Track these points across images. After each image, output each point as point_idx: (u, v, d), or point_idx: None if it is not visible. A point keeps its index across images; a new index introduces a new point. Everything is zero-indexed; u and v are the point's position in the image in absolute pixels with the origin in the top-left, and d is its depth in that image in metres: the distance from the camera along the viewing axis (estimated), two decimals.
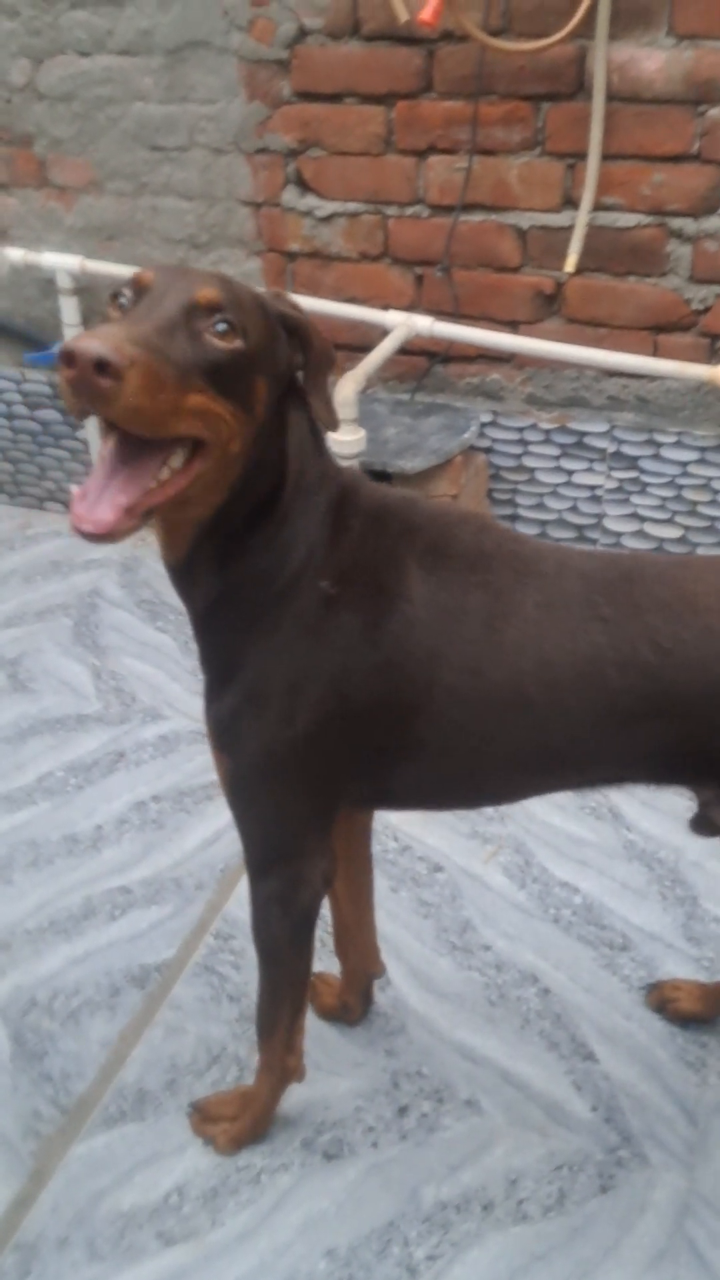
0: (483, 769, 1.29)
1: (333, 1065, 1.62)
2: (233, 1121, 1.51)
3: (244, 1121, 1.51)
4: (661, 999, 1.69)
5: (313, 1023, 1.66)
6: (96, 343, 0.93)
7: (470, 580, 1.22)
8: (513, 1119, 1.55)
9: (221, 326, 1.05)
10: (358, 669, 1.21)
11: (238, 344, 1.06)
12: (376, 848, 1.96)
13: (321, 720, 1.22)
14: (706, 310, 2.41)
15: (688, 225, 2.35)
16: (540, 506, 2.70)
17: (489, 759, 1.27)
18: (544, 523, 2.71)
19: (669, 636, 1.17)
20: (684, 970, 1.75)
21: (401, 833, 2.01)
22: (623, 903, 1.87)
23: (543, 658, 1.19)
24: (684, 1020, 1.67)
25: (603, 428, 2.55)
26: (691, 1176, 1.48)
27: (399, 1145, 1.52)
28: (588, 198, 2.33)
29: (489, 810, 2.06)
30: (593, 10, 2.18)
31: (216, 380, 1.04)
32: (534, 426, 2.62)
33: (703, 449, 2.49)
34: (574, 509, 2.67)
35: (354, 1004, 1.67)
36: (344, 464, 2.21)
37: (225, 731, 1.26)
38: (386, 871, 1.92)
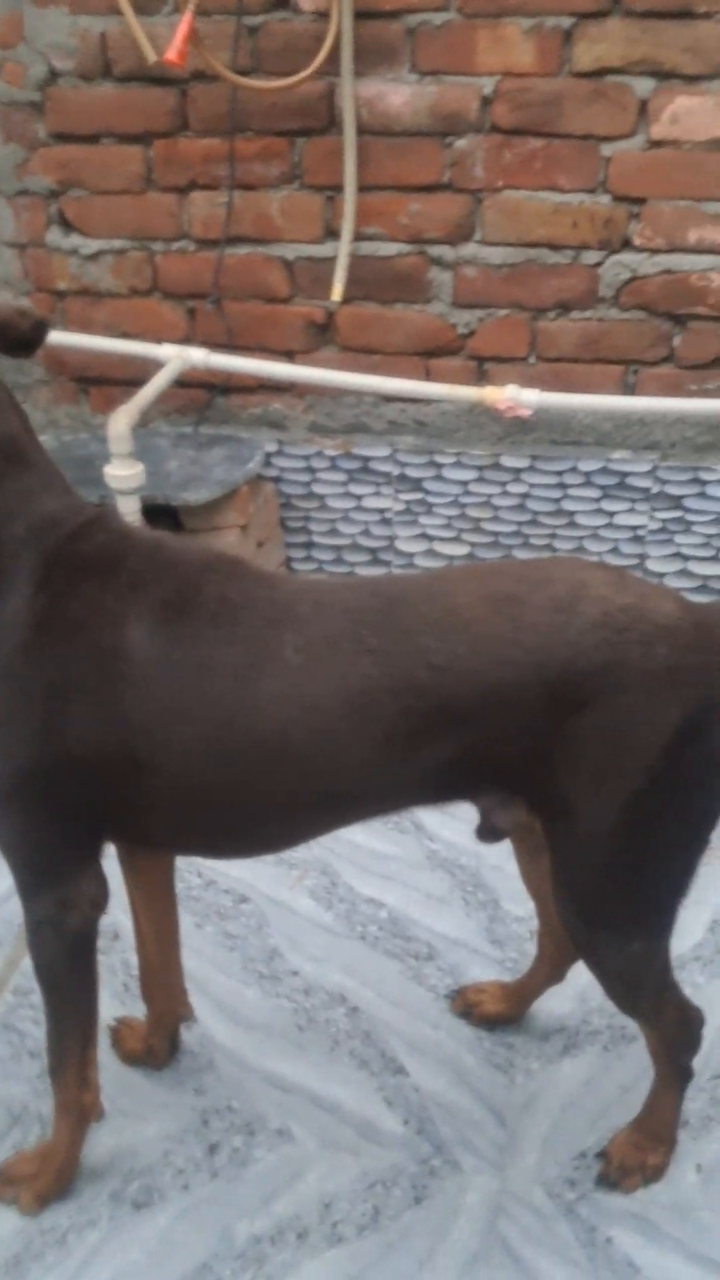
0: (254, 818, 1.29)
1: (139, 1110, 1.57)
2: (35, 1179, 1.45)
3: (46, 1176, 1.44)
4: (466, 1004, 1.71)
5: (117, 1068, 1.62)
6: None
7: (213, 634, 1.21)
8: (325, 1143, 1.54)
9: None
10: (72, 724, 1.20)
11: None
12: (180, 885, 1.92)
13: (37, 768, 1.21)
14: (471, 334, 2.50)
15: (446, 252, 2.43)
16: (333, 532, 2.74)
17: (259, 808, 1.27)
18: (338, 548, 2.75)
19: (441, 654, 1.18)
20: (489, 973, 1.77)
21: (205, 867, 1.98)
22: (427, 913, 1.89)
23: (308, 703, 1.19)
24: (490, 1022, 1.69)
25: (385, 451, 2.61)
26: (503, 1177, 1.50)
27: (210, 1184, 1.49)
28: (348, 228, 2.39)
29: None
30: (337, 48, 2.25)
31: None
32: (319, 454, 2.65)
33: (480, 467, 2.57)
34: (366, 533, 2.71)
35: (160, 1048, 1.63)
36: (124, 500, 2.20)
37: None
38: (190, 908, 1.89)
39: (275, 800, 1.27)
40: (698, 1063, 1.63)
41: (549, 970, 1.62)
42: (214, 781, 1.23)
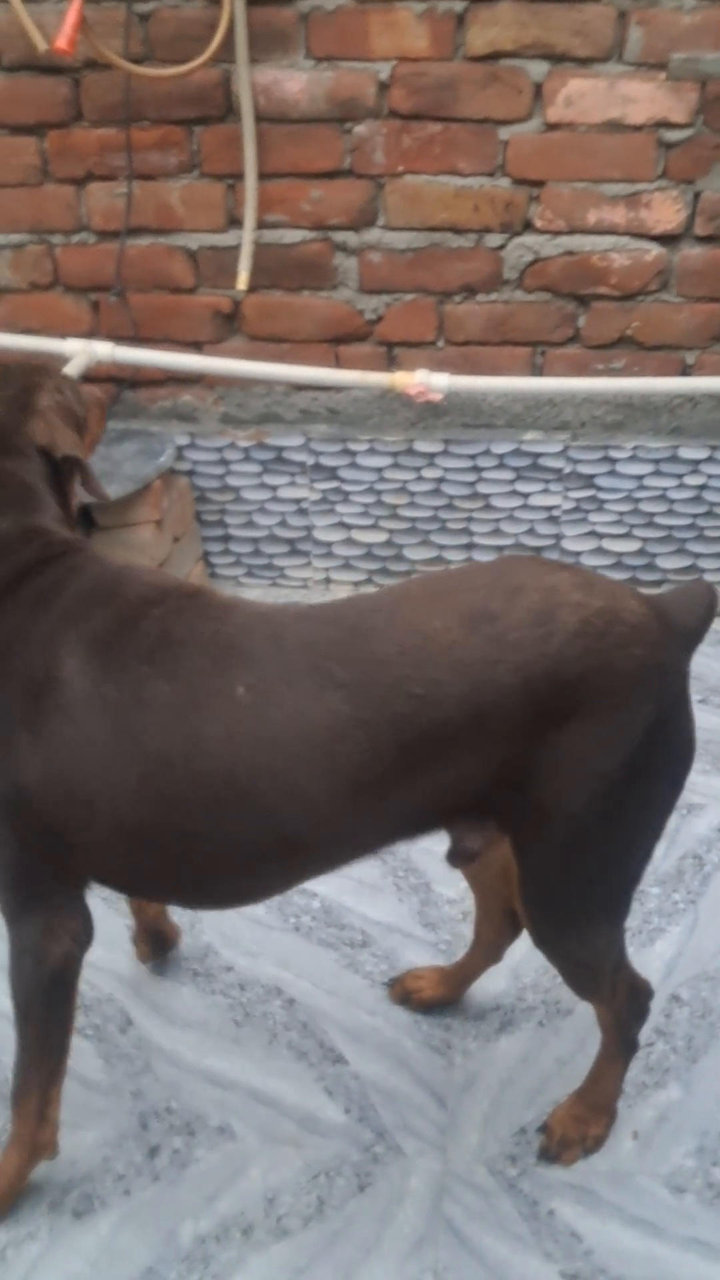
0: (212, 867, 1.25)
1: (76, 1119, 1.55)
2: None
3: None
4: (405, 991, 1.71)
5: None
6: None
7: (147, 670, 1.18)
8: (266, 1137, 1.53)
9: None
10: (16, 755, 1.20)
11: None
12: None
13: (2, 796, 1.22)
14: (379, 319, 2.49)
15: (350, 238, 2.42)
16: (250, 524, 2.72)
17: (215, 857, 1.23)
18: (256, 540, 2.73)
19: (421, 682, 1.14)
20: (423, 957, 1.78)
21: None
22: (360, 900, 1.89)
23: (261, 743, 1.15)
24: (429, 1008, 1.69)
25: (299, 441, 2.59)
26: (445, 1158, 1.51)
27: (152, 1188, 1.47)
28: (250, 216, 2.37)
29: None
30: (230, 35, 2.22)
31: None
32: (232, 445, 2.63)
33: (394, 453, 2.57)
34: (283, 523, 2.70)
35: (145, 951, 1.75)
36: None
37: None
38: (120, 910, 1.86)
39: (231, 848, 1.21)
40: None
41: (486, 953, 1.63)
42: (158, 824, 1.20)
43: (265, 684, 1.16)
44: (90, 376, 2.42)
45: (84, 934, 1.32)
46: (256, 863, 1.25)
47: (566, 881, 1.27)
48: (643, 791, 1.23)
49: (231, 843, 1.21)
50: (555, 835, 1.23)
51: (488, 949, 1.63)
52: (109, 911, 1.86)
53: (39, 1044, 1.34)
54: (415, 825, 1.27)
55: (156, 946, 1.75)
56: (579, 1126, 1.50)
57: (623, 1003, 1.42)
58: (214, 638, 1.20)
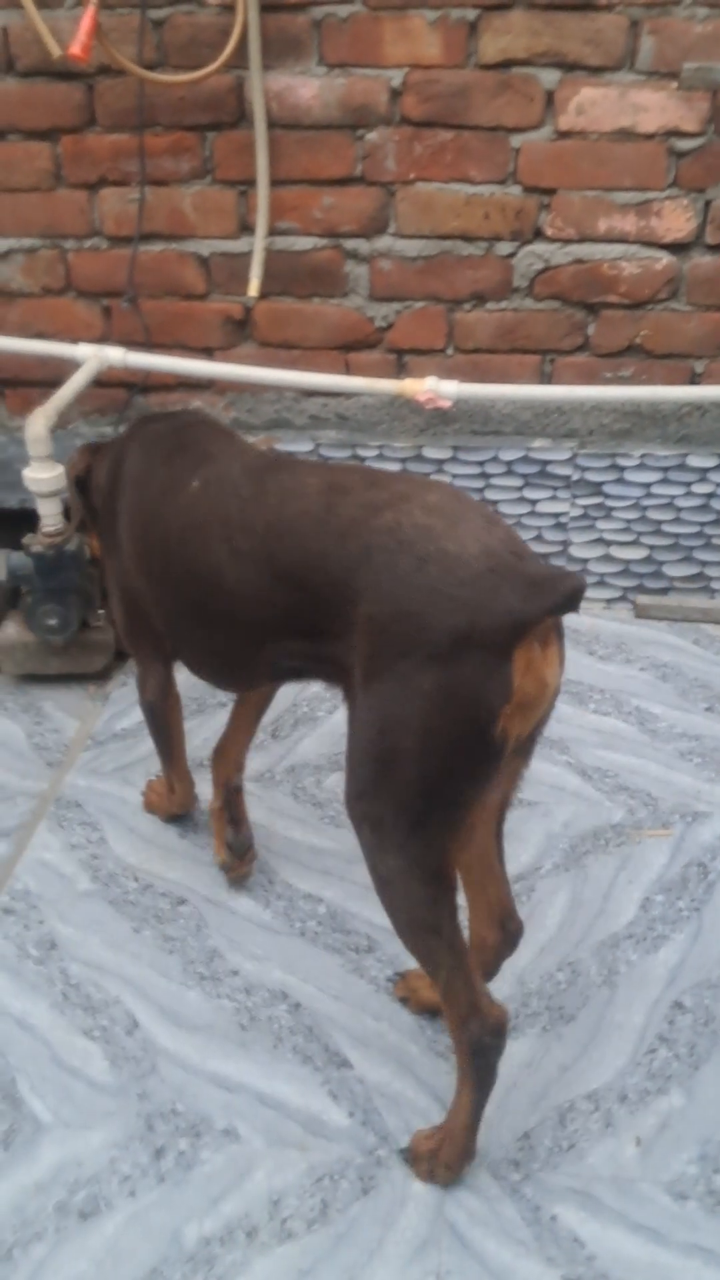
0: (191, 617, 1.60)
1: (83, 1120, 1.56)
2: None
3: None
4: (408, 989, 1.72)
5: (62, 1079, 1.60)
6: None
7: (160, 466, 1.68)
8: (271, 1140, 1.54)
9: None
10: (120, 536, 1.76)
11: None
12: (117, 889, 1.93)
13: (121, 570, 1.77)
14: (389, 327, 2.50)
15: (361, 246, 2.43)
16: None
17: (188, 611, 1.60)
18: None
19: (276, 512, 1.42)
20: None
21: (142, 872, 1.97)
22: (366, 905, 1.90)
23: (195, 521, 1.54)
24: (425, 1010, 1.70)
25: (308, 447, 2.61)
26: None
27: (158, 1189, 1.48)
28: (262, 223, 2.38)
29: None
30: (243, 42, 2.23)
31: None
32: None
33: (403, 459, 2.58)
34: None
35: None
36: (44, 502, 2.17)
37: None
38: (128, 913, 1.88)
39: (195, 612, 1.57)
40: (634, 1035, 1.67)
41: (483, 958, 1.59)
42: (166, 573, 1.61)
43: (208, 482, 1.56)
44: (101, 381, 2.44)
45: (160, 690, 1.86)
46: (213, 630, 1.56)
47: (365, 752, 1.32)
48: (423, 717, 1.24)
49: (193, 605, 1.57)
50: (357, 708, 1.34)
51: (481, 951, 1.59)
52: (116, 915, 1.87)
53: (156, 741, 1.97)
54: (295, 645, 1.46)
55: (236, 854, 1.94)
56: (428, 1144, 1.48)
57: (449, 996, 1.38)
58: (203, 453, 1.63)
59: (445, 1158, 1.46)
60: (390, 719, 1.27)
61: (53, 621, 2.30)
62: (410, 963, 1.79)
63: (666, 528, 2.59)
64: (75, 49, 2.12)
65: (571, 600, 1.21)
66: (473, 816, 1.31)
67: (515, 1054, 1.65)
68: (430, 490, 1.35)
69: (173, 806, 2.06)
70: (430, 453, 2.57)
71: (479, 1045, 1.38)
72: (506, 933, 1.56)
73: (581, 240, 2.39)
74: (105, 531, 1.85)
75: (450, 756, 1.26)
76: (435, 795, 1.28)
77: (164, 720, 1.92)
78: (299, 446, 2.60)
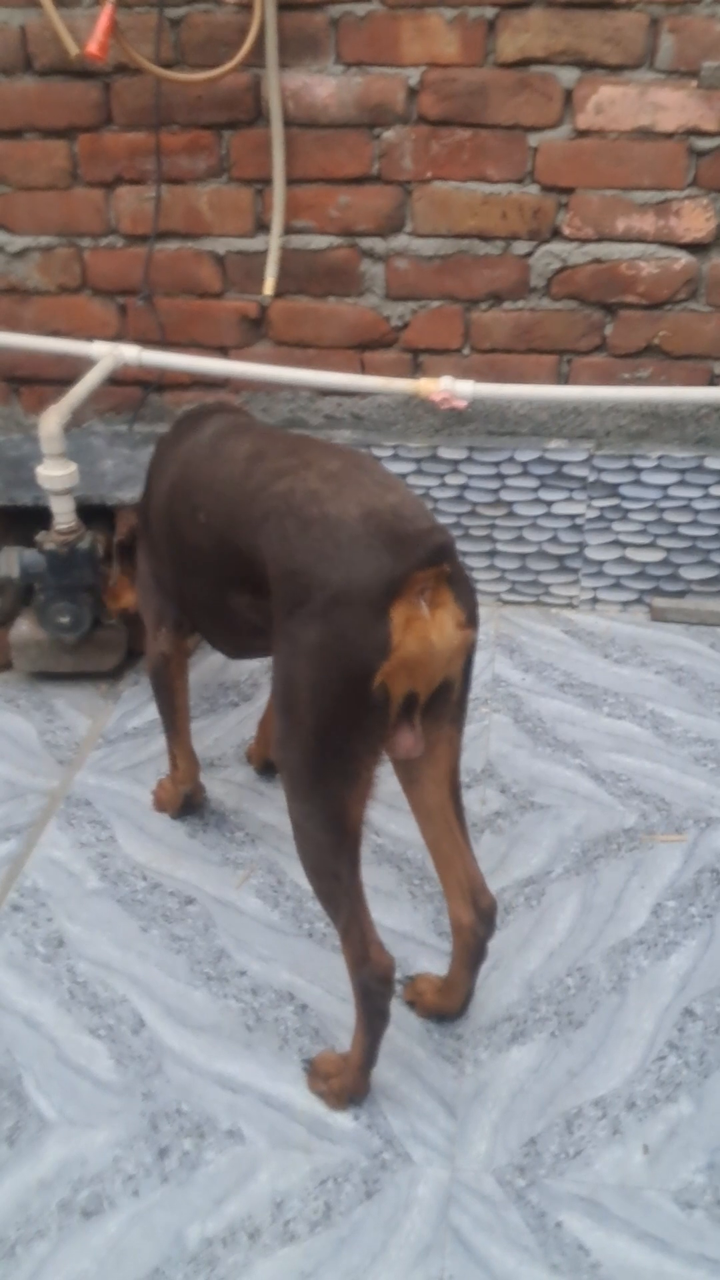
0: (193, 577, 1.67)
1: (87, 1118, 1.56)
2: None
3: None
4: (415, 993, 1.71)
5: (65, 1076, 1.60)
6: None
7: (188, 449, 1.71)
8: (276, 1141, 1.53)
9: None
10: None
11: None
12: (125, 889, 1.93)
13: (154, 538, 1.80)
14: (405, 326, 2.49)
15: (377, 245, 2.43)
16: None
17: (182, 562, 1.68)
18: None
19: (211, 475, 1.58)
20: (436, 965, 1.78)
21: (150, 870, 1.96)
22: (375, 907, 1.86)
23: (177, 481, 1.68)
24: (430, 1014, 1.69)
25: None
26: (453, 1167, 1.50)
27: (161, 1189, 1.48)
28: (278, 221, 2.38)
29: (239, 834, 2.05)
30: (260, 40, 2.23)
31: None
32: None
33: (418, 459, 2.57)
34: None
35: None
36: (58, 500, 2.18)
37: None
38: (136, 912, 1.88)
39: (182, 562, 1.67)
40: (643, 1042, 1.65)
41: (462, 941, 1.60)
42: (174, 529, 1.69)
43: (190, 448, 1.70)
44: (116, 380, 2.44)
45: (166, 653, 1.88)
46: (195, 581, 1.67)
47: (277, 703, 1.40)
48: (310, 670, 1.32)
49: (181, 562, 1.68)
50: (276, 659, 1.40)
51: (460, 933, 1.59)
52: (124, 914, 1.87)
53: (160, 708, 1.96)
54: (243, 597, 1.55)
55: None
56: (328, 1067, 1.59)
57: (351, 953, 1.47)
58: (218, 437, 1.68)
59: (336, 1087, 1.57)
60: (288, 672, 1.36)
61: (65, 619, 2.30)
62: (418, 967, 1.78)
63: (684, 530, 2.57)
64: (92, 47, 2.13)
65: (436, 555, 1.28)
66: (365, 769, 1.37)
67: (523, 1059, 1.63)
68: (334, 458, 1.44)
69: (176, 785, 2.04)
70: (445, 453, 2.56)
71: (366, 989, 1.47)
72: (480, 910, 1.56)
73: (599, 240, 2.37)
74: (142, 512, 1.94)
75: (335, 709, 1.32)
76: (328, 746, 1.35)
77: (167, 684, 1.93)
78: None
